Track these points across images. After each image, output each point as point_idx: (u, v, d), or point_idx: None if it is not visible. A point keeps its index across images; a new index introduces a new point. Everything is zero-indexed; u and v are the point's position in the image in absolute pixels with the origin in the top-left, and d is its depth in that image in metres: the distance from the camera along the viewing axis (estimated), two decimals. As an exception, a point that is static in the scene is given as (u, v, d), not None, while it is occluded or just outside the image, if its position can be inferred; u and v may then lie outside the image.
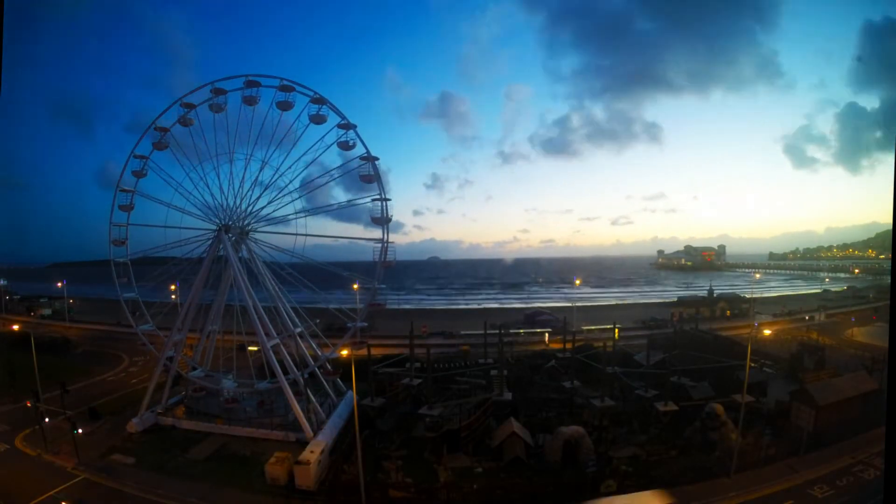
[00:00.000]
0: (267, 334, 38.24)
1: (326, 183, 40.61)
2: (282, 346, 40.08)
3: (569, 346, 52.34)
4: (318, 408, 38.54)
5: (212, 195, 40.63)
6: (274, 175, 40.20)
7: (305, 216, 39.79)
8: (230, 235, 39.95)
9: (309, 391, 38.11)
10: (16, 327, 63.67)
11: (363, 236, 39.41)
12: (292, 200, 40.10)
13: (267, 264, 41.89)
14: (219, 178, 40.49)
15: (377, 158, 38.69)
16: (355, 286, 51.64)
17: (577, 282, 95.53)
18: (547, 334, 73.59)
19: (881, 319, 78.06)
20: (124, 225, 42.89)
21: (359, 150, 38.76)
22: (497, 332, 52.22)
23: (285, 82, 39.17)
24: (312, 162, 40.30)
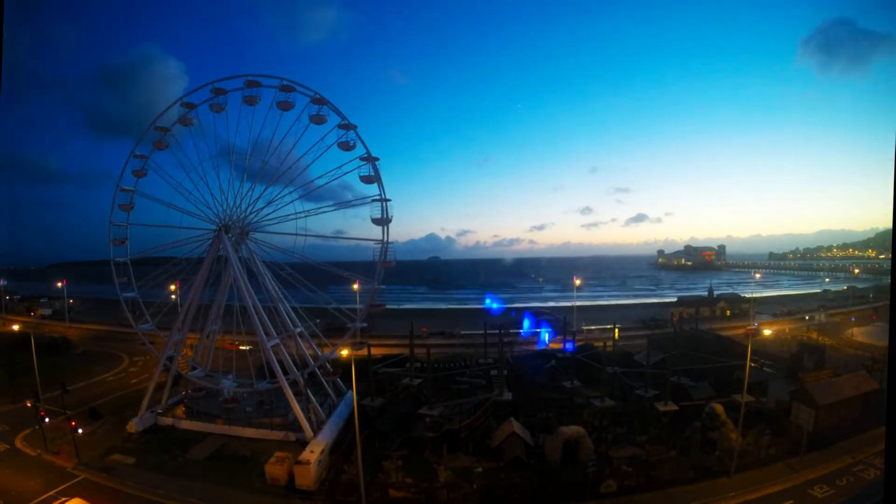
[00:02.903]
0: (267, 334, 38.23)
1: (327, 183, 40.56)
2: (282, 346, 40.09)
3: (569, 346, 52.33)
4: (318, 408, 38.53)
5: (212, 195, 40.66)
6: (274, 175, 40.24)
7: (305, 216, 39.82)
8: (230, 235, 39.94)
9: (309, 391, 38.10)
10: (16, 327, 63.63)
11: (364, 236, 39.45)
12: (292, 201, 40.13)
13: (267, 264, 41.90)
14: (219, 178, 40.59)
15: (377, 159, 38.70)
16: (355, 286, 51.62)
17: (577, 281, 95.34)
18: (547, 334, 73.59)
19: (881, 319, 78.08)
20: (124, 224, 42.96)
21: (359, 150, 38.78)
22: (497, 332, 52.24)
23: (285, 82, 39.17)
24: (313, 162, 40.33)
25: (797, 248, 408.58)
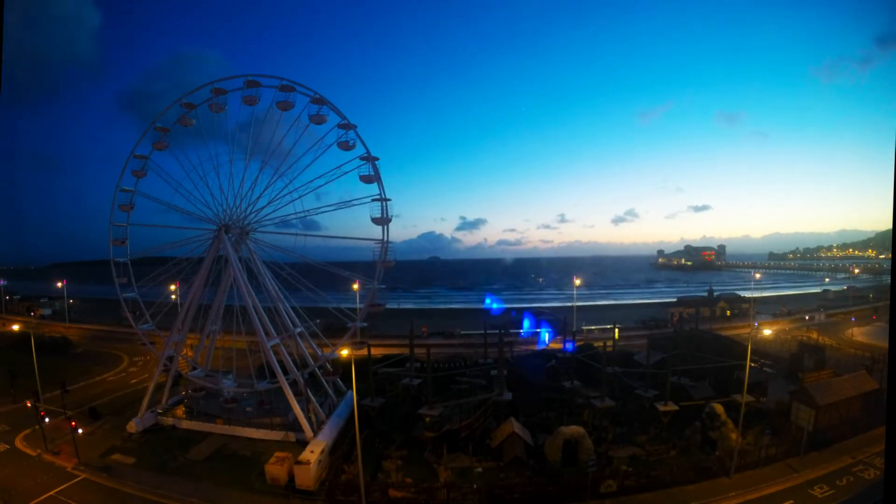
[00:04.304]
0: (267, 334, 38.23)
1: (326, 183, 40.51)
2: (282, 347, 40.09)
3: (569, 346, 52.30)
4: (318, 408, 38.53)
5: (212, 195, 40.62)
6: (274, 175, 40.21)
7: (305, 216, 39.82)
8: (230, 235, 39.93)
9: (309, 391, 38.11)
10: (16, 327, 63.57)
11: (364, 236, 39.41)
12: (292, 201, 40.09)
13: (267, 264, 41.89)
14: (219, 178, 40.50)
15: (377, 158, 38.64)
16: (355, 286, 51.62)
17: (577, 282, 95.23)
18: (547, 334, 73.58)
19: (881, 319, 78.12)
20: (124, 225, 42.93)
21: (359, 150, 38.74)
22: (497, 331, 52.24)
23: (285, 82, 39.12)
24: (312, 162, 40.28)
25: (797, 248, 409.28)
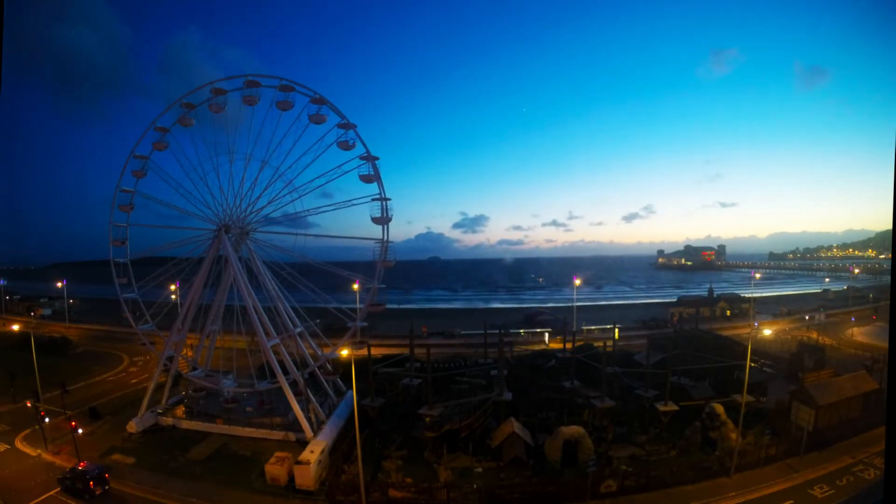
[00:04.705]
0: (267, 334, 38.23)
1: (326, 182, 40.49)
2: (282, 347, 40.07)
3: (569, 346, 52.29)
4: (318, 408, 38.54)
5: (212, 195, 40.61)
6: (274, 175, 40.18)
7: (305, 215, 39.80)
8: (230, 235, 39.93)
9: (309, 391, 38.11)
10: (16, 327, 63.55)
11: (364, 236, 39.38)
12: (292, 200, 40.05)
13: (267, 264, 41.89)
14: (219, 179, 40.47)
15: (377, 158, 38.62)
16: (355, 286, 51.59)
17: (577, 282, 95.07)
18: (547, 334, 73.62)
19: (881, 319, 78.16)
20: (124, 225, 42.93)
21: (359, 149, 38.73)
22: (497, 331, 52.24)
23: (285, 82, 39.10)
24: (312, 162, 40.25)
25: (797, 248, 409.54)
